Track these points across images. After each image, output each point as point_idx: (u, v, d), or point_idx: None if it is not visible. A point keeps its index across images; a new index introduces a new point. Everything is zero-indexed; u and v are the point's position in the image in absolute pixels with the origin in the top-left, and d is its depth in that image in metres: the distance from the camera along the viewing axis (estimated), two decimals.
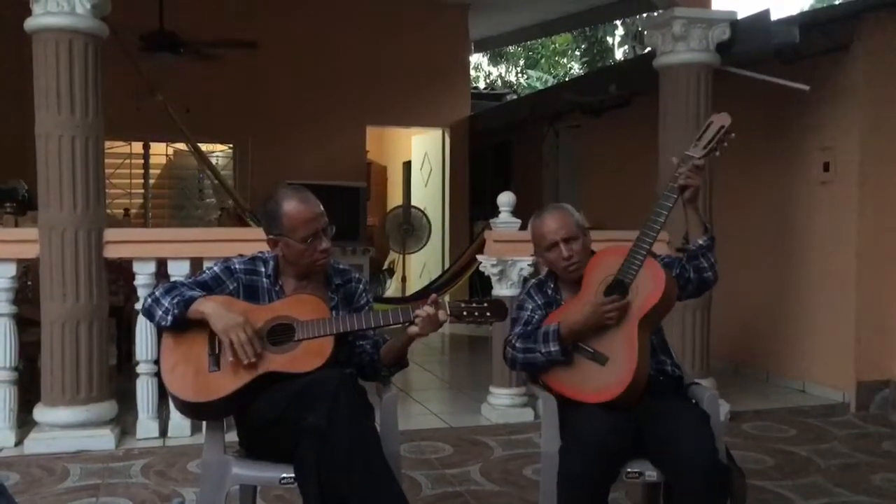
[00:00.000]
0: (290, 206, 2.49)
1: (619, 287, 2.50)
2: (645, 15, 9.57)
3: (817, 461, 4.05)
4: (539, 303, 2.75)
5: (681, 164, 2.55)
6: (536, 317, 2.71)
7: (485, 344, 6.25)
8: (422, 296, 6.76)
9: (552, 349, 2.54)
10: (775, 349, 5.78)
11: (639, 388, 2.46)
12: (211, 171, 8.07)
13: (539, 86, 17.48)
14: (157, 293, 2.46)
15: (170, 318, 2.38)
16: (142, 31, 6.90)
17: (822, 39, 5.10)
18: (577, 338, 2.54)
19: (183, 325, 2.40)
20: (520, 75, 20.50)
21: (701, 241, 2.59)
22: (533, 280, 2.91)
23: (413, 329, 2.46)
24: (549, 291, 2.76)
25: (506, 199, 4.81)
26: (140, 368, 4.27)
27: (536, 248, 2.78)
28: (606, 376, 2.48)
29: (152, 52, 7.01)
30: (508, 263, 4.67)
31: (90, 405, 4.10)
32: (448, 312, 2.45)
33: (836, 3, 5.46)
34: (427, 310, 2.42)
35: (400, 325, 2.52)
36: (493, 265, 4.69)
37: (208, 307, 2.39)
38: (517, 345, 2.65)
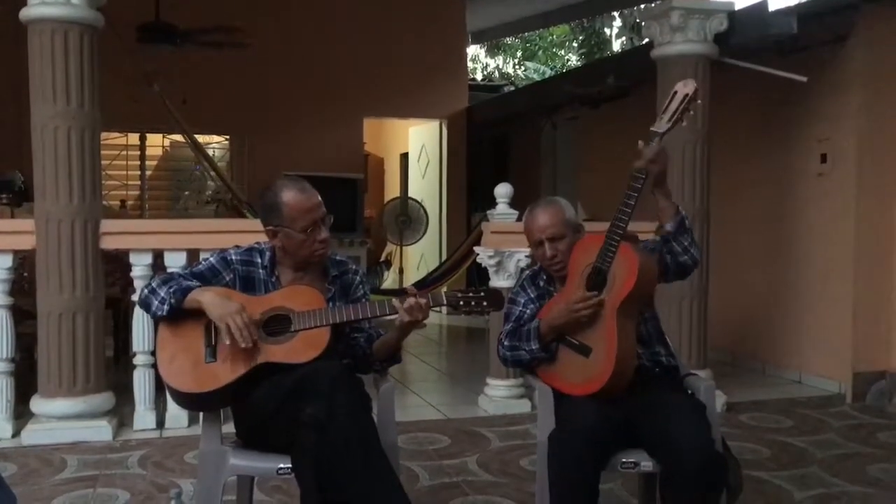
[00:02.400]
0: (290, 196, 2.49)
1: (597, 275, 2.50)
2: (643, 6, 9.54)
3: (813, 452, 4.06)
4: (532, 295, 2.75)
5: (644, 147, 2.51)
6: (528, 311, 2.72)
7: (482, 335, 6.25)
8: (420, 287, 6.77)
9: (533, 347, 2.57)
10: (772, 340, 5.79)
11: (624, 377, 2.46)
12: (208, 163, 8.06)
13: (537, 77, 17.45)
14: (153, 283, 2.46)
15: (166, 307, 2.38)
16: (138, 22, 6.88)
17: (821, 30, 5.09)
18: (557, 334, 2.55)
19: (179, 314, 2.40)
20: (517, 67, 20.47)
21: (669, 227, 2.56)
22: (527, 271, 2.90)
23: (401, 317, 2.46)
24: (542, 283, 2.76)
25: (503, 190, 4.81)
26: (137, 360, 4.27)
27: (528, 242, 2.78)
28: (591, 367, 2.48)
29: (149, 43, 6.99)
30: (506, 255, 4.67)
31: (87, 396, 4.10)
32: (430, 300, 2.46)
33: None
34: (411, 300, 2.43)
35: (396, 316, 2.53)
36: (490, 256, 4.69)
37: (205, 296, 2.39)
38: (505, 343, 2.67)
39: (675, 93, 2.54)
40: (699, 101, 2.54)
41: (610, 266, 2.48)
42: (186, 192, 9.29)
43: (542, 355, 2.57)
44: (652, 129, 2.54)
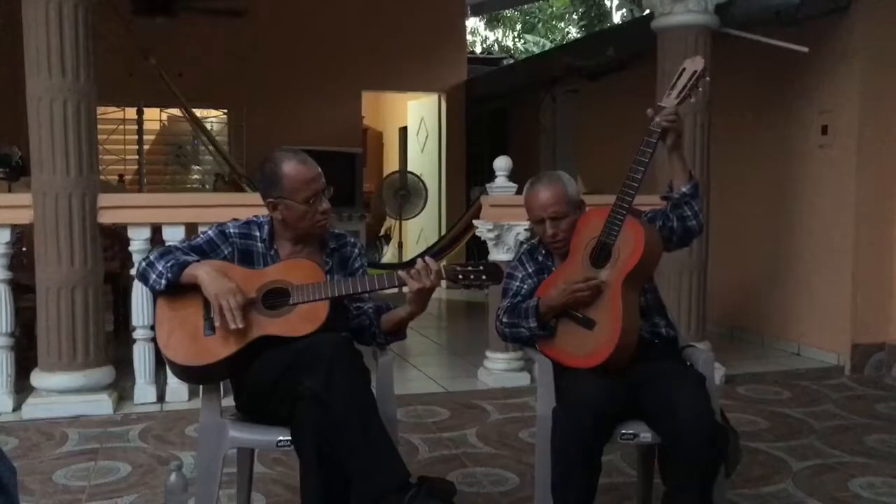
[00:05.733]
0: (290, 167, 2.47)
1: (602, 249, 2.49)
2: None
3: (811, 423, 4.08)
4: (529, 270, 2.74)
5: (655, 115, 2.50)
6: (525, 287, 2.71)
7: (481, 309, 6.26)
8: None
9: (532, 325, 2.56)
10: (771, 312, 5.80)
11: (628, 350, 2.46)
12: (206, 137, 8.02)
13: (536, 50, 17.33)
14: (151, 257, 2.45)
15: (163, 281, 2.38)
16: None
17: (822, 1, 5.04)
18: (556, 313, 2.55)
19: (176, 289, 2.39)
20: (517, 40, 20.33)
21: (684, 189, 2.55)
22: (525, 245, 2.89)
23: (410, 286, 2.43)
24: (540, 258, 2.75)
25: (502, 163, 4.79)
26: (137, 334, 4.28)
27: (528, 216, 2.76)
28: (595, 340, 2.48)
29: (145, 16, 6.93)
30: (505, 228, 4.66)
31: (87, 370, 4.11)
32: (442, 272, 2.45)
33: None
34: (418, 264, 2.41)
35: (396, 289, 2.52)
36: (489, 230, 4.68)
37: (202, 271, 2.38)
38: (504, 319, 2.66)
39: (684, 69, 2.52)
40: (708, 79, 2.51)
41: (615, 240, 2.47)
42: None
43: (541, 333, 2.57)
44: (660, 104, 2.52)
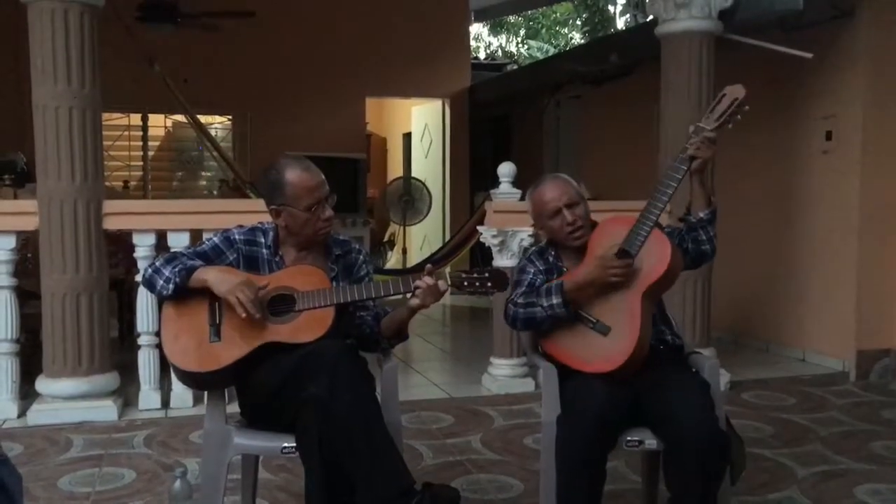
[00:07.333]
0: (294, 174, 2.48)
1: (624, 257, 2.48)
2: None
3: (816, 429, 4.07)
4: (540, 268, 2.72)
5: (693, 134, 2.51)
6: (539, 280, 2.68)
7: (486, 315, 6.26)
8: (422, 268, 6.76)
9: (554, 301, 2.48)
10: (776, 319, 5.79)
11: (639, 360, 2.45)
12: (210, 143, 8.04)
13: (540, 56, 17.35)
14: (157, 263, 2.46)
15: (171, 286, 2.38)
16: (138, 1, 6.85)
17: (826, 6, 5.04)
18: (581, 294, 2.50)
19: (184, 294, 2.40)
20: (520, 46, 20.37)
21: (702, 215, 2.55)
22: (533, 248, 2.89)
23: (414, 301, 2.46)
24: (550, 258, 2.74)
25: (506, 169, 4.79)
26: (141, 340, 4.29)
27: (537, 219, 2.74)
28: (608, 347, 2.46)
29: (150, 23, 6.95)
30: (509, 234, 4.66)
31: (92, 377, 4.12)
32: (447, 282, 2.46)
33: None
34: (427, 280, 2.42)
35: (400, 296, 2.52)
36: (493, 236, 4.69)
37: (210, 274, 2.39)
38: (518, 300, 2.60)
39: (724, 95, 2.53)
40: (747, 107, 2.51)
41: (638, 251, 2.45)
42: (180, 174, 9.25)
43: (561, 311, 2.48)
44: (699, 124, 2.53)
